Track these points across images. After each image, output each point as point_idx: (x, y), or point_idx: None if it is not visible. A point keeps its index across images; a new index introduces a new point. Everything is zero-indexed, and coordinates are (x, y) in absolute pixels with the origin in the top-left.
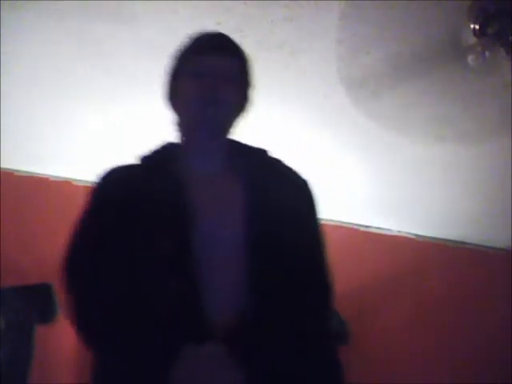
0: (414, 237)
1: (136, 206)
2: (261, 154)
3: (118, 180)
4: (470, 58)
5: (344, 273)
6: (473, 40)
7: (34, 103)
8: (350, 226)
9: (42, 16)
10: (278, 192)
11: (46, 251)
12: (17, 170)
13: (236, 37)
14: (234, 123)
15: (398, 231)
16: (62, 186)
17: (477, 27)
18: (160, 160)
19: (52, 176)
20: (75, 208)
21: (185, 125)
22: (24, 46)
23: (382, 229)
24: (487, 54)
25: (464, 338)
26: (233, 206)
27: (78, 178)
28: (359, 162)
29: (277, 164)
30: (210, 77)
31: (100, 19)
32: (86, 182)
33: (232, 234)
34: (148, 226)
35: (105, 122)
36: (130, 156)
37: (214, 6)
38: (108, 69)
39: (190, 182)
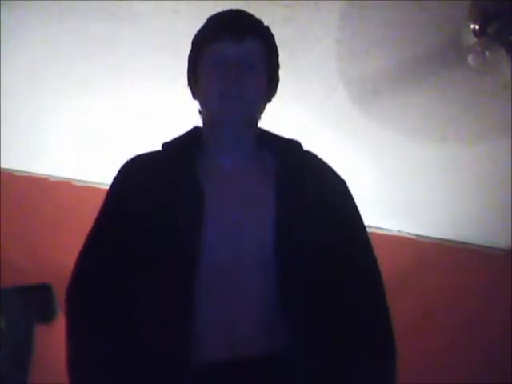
0: (414, 237)
1: (149, 216)
2: (294, 146)
3: (131, 186)
4: (470, 58)
5: None
6: (473, 40)
7: (35, 103)
8: None
9: (41, 15)
10: (313, 191)
11: (45, 251)
12: (16, 170)
13: None
14: (261, 111)
15: (398, 231)
16: (62, 186)
17: (477, 27)
18: (181, 152)
19: (51, 176)
20: (75, 208)
21: (208, 118)
22: (24, 45)
23: (382, 229)
24: (487, 54)
25: (464, 338)
26: (258, 207)
27: (77, 178)
28: (359, 162)
29: (312, 159)
30: (230, 66)
31: (100, 19)
32: (86, 181)
33: (255, 239)
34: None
35: (106, 122)
36: (131, 155)
37: (214, 5)
38: (109, 68)
39: (211, 179)
